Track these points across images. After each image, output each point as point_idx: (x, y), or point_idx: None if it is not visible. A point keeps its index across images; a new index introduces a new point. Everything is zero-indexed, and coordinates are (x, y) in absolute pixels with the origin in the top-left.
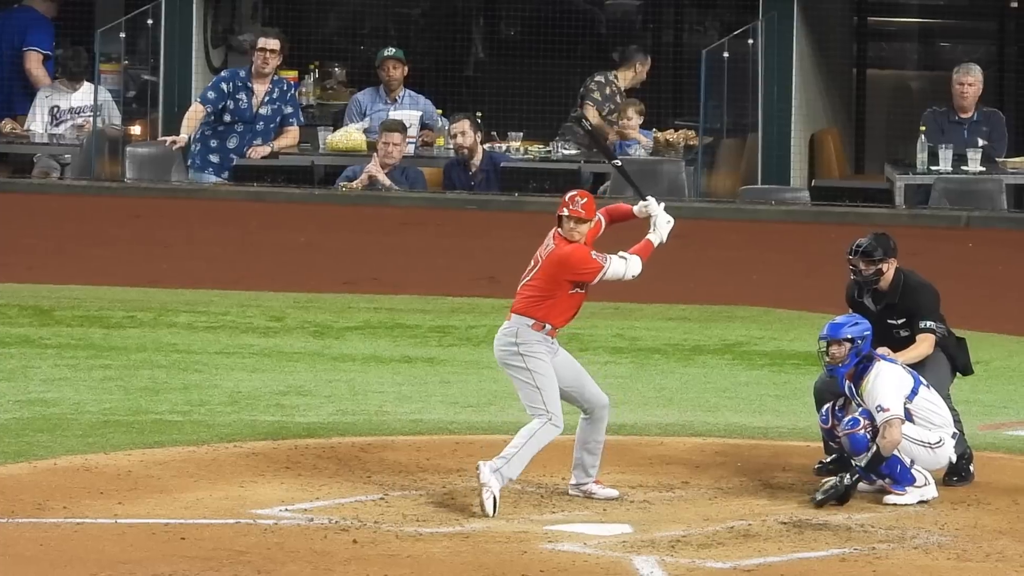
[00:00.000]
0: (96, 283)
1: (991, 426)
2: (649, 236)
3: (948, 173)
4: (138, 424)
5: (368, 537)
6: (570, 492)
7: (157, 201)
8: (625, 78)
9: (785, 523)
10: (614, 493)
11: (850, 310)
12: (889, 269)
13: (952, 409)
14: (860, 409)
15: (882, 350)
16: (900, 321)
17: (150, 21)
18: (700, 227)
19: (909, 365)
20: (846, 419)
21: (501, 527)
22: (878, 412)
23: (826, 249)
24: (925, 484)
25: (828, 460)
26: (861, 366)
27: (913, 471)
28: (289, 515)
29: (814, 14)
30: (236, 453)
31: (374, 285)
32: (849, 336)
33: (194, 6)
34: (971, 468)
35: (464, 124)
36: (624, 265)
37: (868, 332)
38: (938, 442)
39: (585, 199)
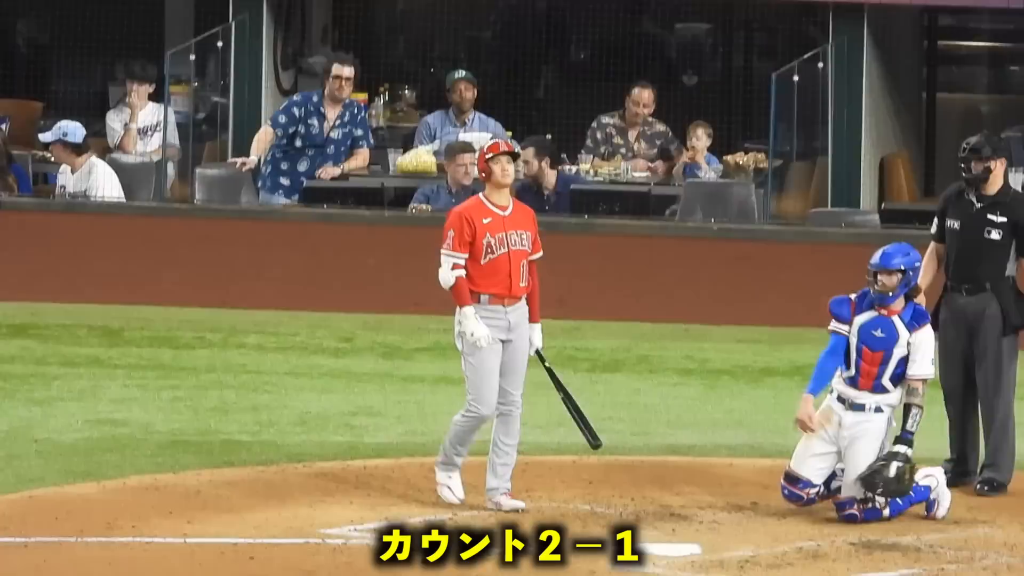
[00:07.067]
0: (165, 304)
1: None
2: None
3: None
4: (207, 444)
5: None
6: (487, 505)
7: (226, 223)
8: (626, 116)
9: (854, 543)
10: (520, 504)
11: (947, 208)
12: (998, 168)
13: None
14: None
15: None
16: (1001, 220)
17: (220, 43)
18: (770, 250)
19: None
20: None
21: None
22: (931, 365)
23: None
24: (938, 485)
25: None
26: (911, 306)
27: (923, 482)
28: (358, 535)
29: (884, 38)
30: (305, 473)
31: (443, 306)
32: (901, 267)
33: (264, 29)
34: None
35: (528, 152)
36: (446, 272)
37: (919, 263)
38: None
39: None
